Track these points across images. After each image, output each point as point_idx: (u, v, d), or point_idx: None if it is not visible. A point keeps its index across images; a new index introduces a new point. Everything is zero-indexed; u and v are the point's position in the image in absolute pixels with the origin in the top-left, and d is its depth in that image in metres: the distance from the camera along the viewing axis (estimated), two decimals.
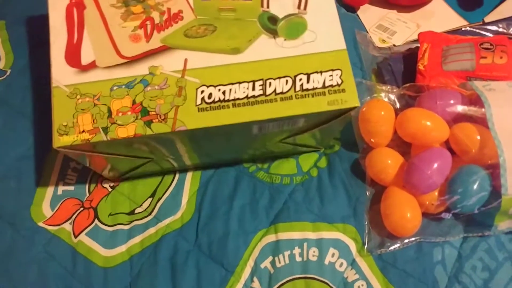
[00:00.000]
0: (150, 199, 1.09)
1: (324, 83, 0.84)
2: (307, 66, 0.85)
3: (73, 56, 0.84)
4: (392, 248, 1.00)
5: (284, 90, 0.83)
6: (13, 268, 1.02)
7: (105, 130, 0.80)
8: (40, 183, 1.08)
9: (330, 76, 0.84)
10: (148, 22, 0.88)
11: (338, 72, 0.84)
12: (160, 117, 0.81)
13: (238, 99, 0.82)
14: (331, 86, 0.84)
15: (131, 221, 1.07)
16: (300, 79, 0.84)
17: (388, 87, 1.08)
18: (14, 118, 1.17)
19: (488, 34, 1.22)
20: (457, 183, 0.95)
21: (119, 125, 0.80)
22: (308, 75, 0.84)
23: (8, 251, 1.03)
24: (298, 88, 0.83)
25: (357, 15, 1.31)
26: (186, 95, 0.82)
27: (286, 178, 1.10)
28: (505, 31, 1.22)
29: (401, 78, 1.16)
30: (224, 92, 0.82)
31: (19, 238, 1.04)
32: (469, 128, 0.96)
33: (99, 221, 1.07)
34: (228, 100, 0.82)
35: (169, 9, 0.89)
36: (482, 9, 1.27)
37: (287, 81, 0.84)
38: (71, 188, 1.09)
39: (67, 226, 1.06)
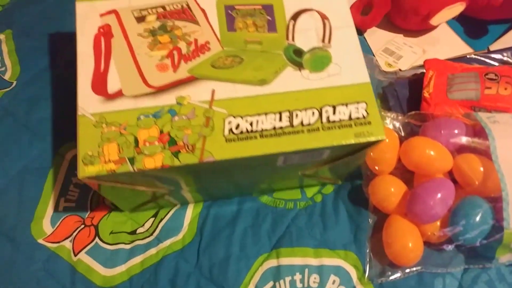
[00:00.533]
0: (152, 219, 1.06)
1: (350, 115, 0.83)
2: (332, 98, 0.84)
3: (99, 84, 0.82)
4: (393, 277, 0.99)
5: (311, 122, 0.82)
6: (12, 285, 0.99)
7: (132, 160, 0.77)
8: (42, 198, 1.06)
9: (355, 108, 0.83)
10: (175, 52, 0.86)
11: (363, 105, 0.84)
12: (187, 147, 0.79)
13: (266, 130, 0.80)
14: (357, 118, 0.83)
15: (133, 241, 1.04)
16: (326, 111, 0.83)
17: (393, 114, 1.07)
18: (18, 130, 1.14)
19: (492, 62, 1.23)
20: (460, 215, 0.93)
21: (146, 155, 0.78)
22: (334, 107, 0.83)
23: (7, 268, 1.00)
24: (324, 120, 0.82)
25: (364, 37, 1.31)
26: (214, 126, 0.80)
27: (290, 203, 1.09)
28: (510, 60, 1.22)
29: (406, 104, 1.16)
30: (251, 123, 0.81)
31: (18, 255, 1.01)
32: (473, 160, 0.95)
33: (100, 239, 1.04)
34: (256, 131, 0.80)
35: (196, 40, 0.88)
36: (487, 37, 1.28)
37: (313, 112, 0.82)
38: (72, 204, 1.07)
39: (67, 244, 1.03)
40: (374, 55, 1.26)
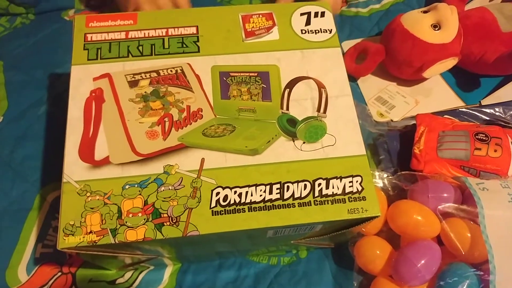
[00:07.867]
0: (132, 270, 0.97)
1: (344, 189, 0.75)
2: (326, 170, 0.76)
3: (87, 151, 0.75)
4: None
5: (303, 195, 0.74)
6: None
7: (114, 232, 0.70)
8: (19, 243, 0.96)
9: (350, 182, 0.76)
10: (166, 119, 0.79)
11: (358, 179, 0.76)
12: (172, 220, 0.71)
13: (255, 202, 0.73)
14: (351, 193, 0.75)
15: None
16: (319, 184, 0.75)
17: (383, 173, 1.02)
18: (1, 169, 1.06)
19: (484, 117, 1.17)
20: (446, 281, 0.86)
21: (128, 227, 0.70)
22: (328, 180, 0.76)
23: None
24: (317, 193, 0.74)
25: (357, 84, 1.23)
26: (201, 197, 0.73)
27: (273, 258, 1.00)
28: (501, 115, 1.16)
29: (396, 157, 1.10)
30: (240, 195, 0.73)
31: None
32: (461, 227, 0.88)
33: None
34: (244, 203, 0.73)
35: (188, 107, 0.81)
36: (480, 90, 1.21)
37: (305, 185, 0.75)
38: (50, 250, 0.95)
39: None
40: (366, 104, 1.20)
